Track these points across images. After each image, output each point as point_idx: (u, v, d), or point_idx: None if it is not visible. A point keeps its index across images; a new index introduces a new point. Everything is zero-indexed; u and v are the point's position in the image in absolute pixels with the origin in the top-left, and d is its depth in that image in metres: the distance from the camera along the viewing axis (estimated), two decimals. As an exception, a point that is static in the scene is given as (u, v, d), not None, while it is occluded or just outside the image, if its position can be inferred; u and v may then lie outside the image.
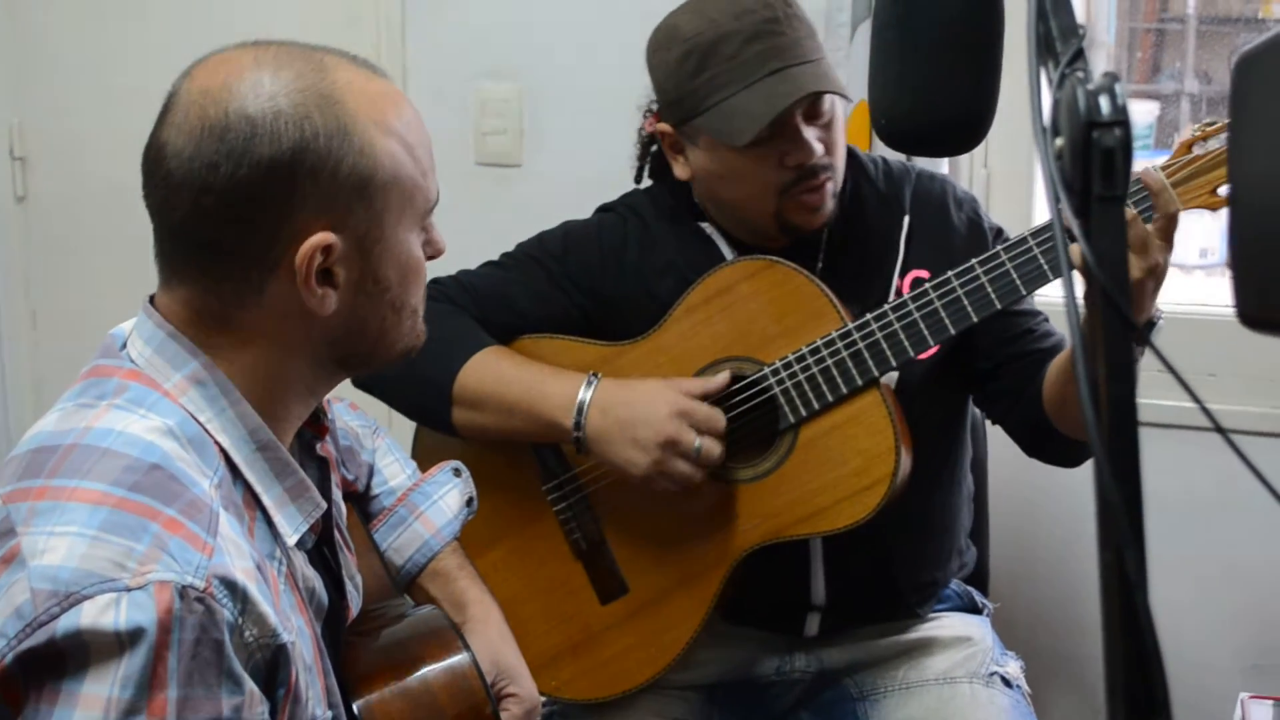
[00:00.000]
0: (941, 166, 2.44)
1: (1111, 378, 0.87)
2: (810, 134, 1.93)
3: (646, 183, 2.21)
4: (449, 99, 2.93)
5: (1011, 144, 2.60)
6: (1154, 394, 2.44)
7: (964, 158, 2.60)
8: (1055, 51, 0.96)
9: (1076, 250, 0.89)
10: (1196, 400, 0.97)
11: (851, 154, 2.08)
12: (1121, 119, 0.87)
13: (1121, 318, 0.87)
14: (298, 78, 1.28)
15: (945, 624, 2.16)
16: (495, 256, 2.18)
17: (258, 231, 1.27)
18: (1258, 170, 0.98)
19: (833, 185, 1.98)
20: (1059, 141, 0.90)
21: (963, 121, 1.26)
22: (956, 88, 1.24)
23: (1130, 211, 1.76)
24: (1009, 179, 2.68)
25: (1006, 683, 2.11)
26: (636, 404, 1.97)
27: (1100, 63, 2.95)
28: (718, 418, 1.97)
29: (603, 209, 2.19)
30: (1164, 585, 2.82)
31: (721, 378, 1.99)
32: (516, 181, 2.93)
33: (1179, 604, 2.57)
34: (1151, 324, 1.84)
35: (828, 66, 1.95)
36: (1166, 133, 3.09)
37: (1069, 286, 0.86)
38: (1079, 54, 0.94)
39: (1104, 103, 0.88)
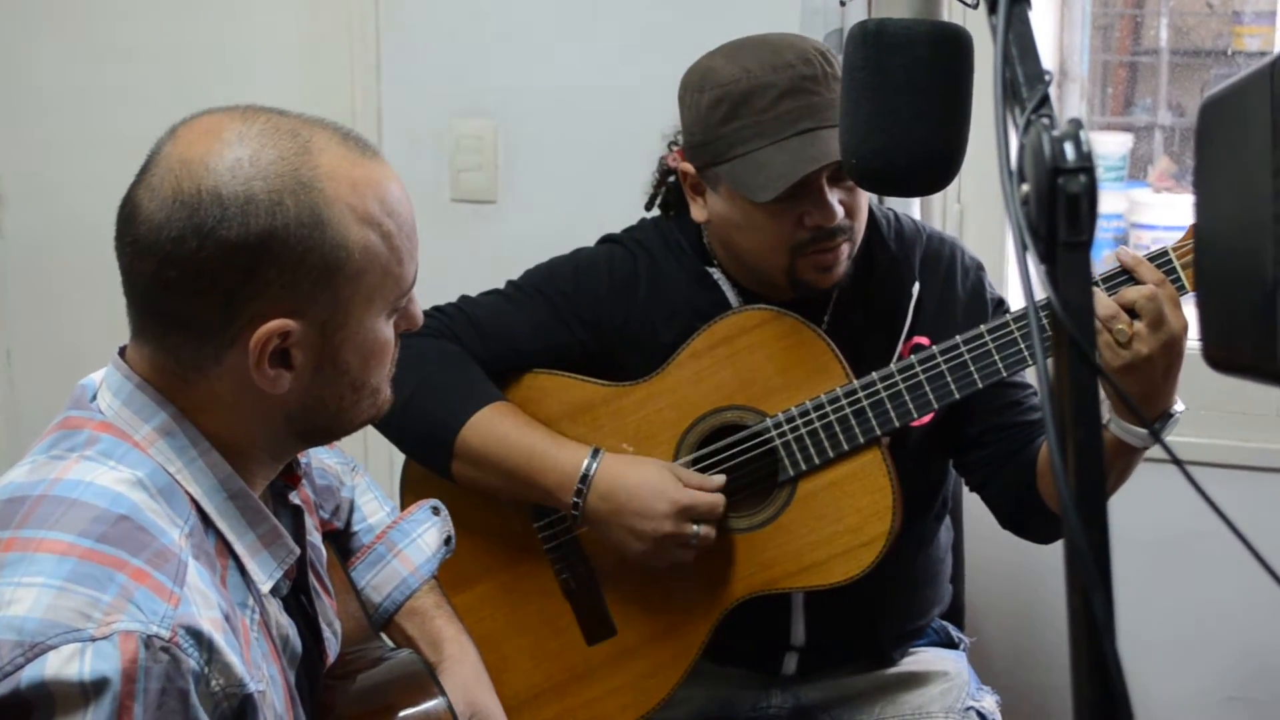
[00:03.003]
0: (913, 204, 2.45)
1: (1077, 423, 0.88)
2: (833, 196, 1.90)
3: (654, 212, 2.19)
4: (424, 136, 2.94)
5: (984, 181, 2.61)
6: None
7: (936, 195, 2.61)
8: (1021, 97, 0.97)
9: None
10: (1150, 430, 0.98)
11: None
12: (1086, 165, 0.88)
13: (1086, 362, 0.87)
14: (279, 160, 1.27)
15: (922, 659, 2.16)
16: (471, 293, 2.17)
17: (217, 309, 1.27)
18: (1220, 215, 0.99)
19: (849, 247, 1.96)
20: (1025, 187, 0.91)
21: (933, 162, 1.27)
22: (927, 129, 1.25)
23: (1158, 275, 1.77)
24: (981, 216, 2.69)
25: (982, 717, 2.12)
26: (639, 495, 1.96)
27: (1074, 96, 2.98)
28: (717, 508, 1.97)
29: (609, 239, 2.17)
30: (1136, 619, 2.85)
31: (719, 479, 1.99)
32: (491, 218, 2.93)
33: (1151, 637, 2.58)
34: (1169, 415, 1.83)
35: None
36: (1140, 165, 3.11)
37: (1039, 345, 0.87)
38: (1044, 100, 0.95)
39: (1069, 149, 0.88)
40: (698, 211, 2.03)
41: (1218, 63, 3.16)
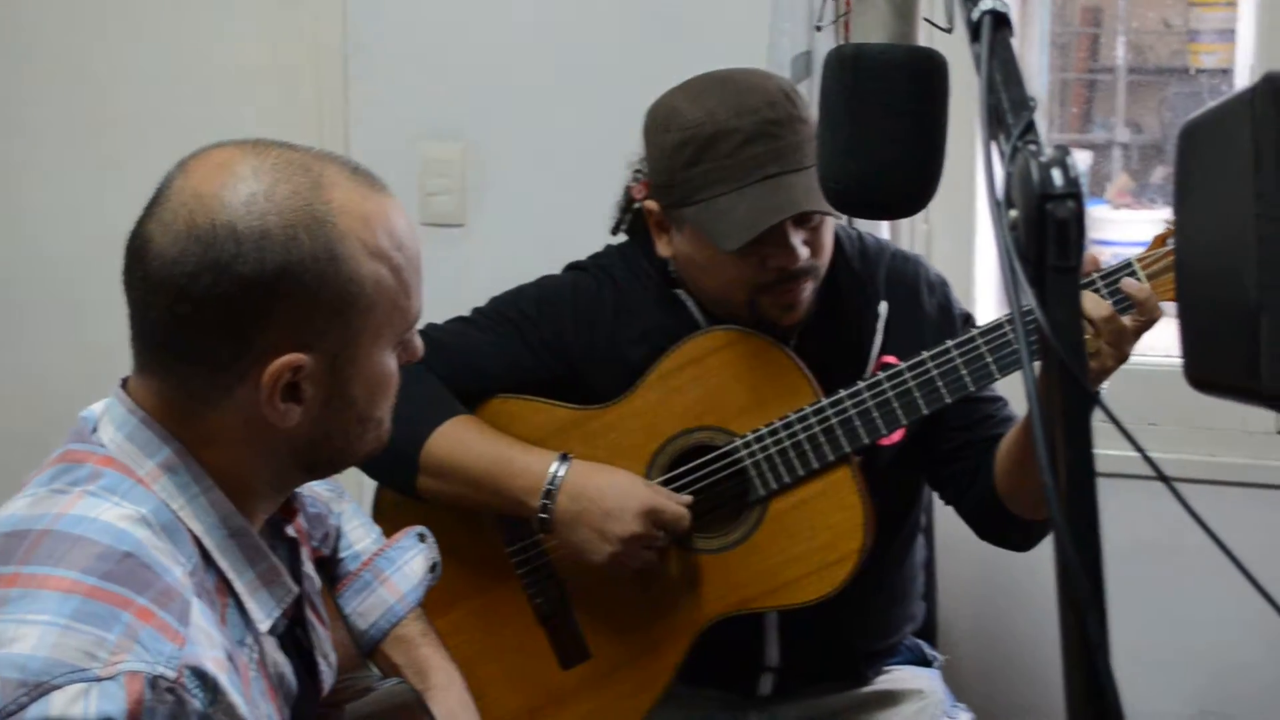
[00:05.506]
0: (881, 224, 2.47)
1: (1069, 444, 0.89)
2: (797, 238, 1.91)
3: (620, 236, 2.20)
4: (392, 159, 2.91)
5: (951, 201, 2.63)
6: (1097, 444, 2.47)
7: (904, 214, 2.63)
8: (1006, 124, 0.98)
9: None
10: (1140, 451, 0.99)
11: None
12: (1074, 191, 0.89)
13: (1078, 386, 0.88)
14: (292, 195, 1.27)
15: (896, 678, 2.17)
16: (442, 315, 2.17)
17: (230, 344, 1.27)
18: (1202, 238, 1.01)
19: (813, 284, 1.98)
20: (1013, 213, 0.92)
21: (910, 186, 1.28)
22: (904, 153, 1.27)
23: (1108, 307, 1.79)
24: (949, 236, 2.71)
25: (958, 734, 2.13)
26: (607, 495, 1.96)
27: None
28: (685, 520, 1.97)
29: (575, 266, 2.17)
30: (1111, 634, 2.84)
31: (685, 499, 1.99)
32: (460, 241, 2.94)
33: (1125, 651, 2.59)
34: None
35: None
36: (1099, 182, 3.14)
37: (1028, 365, 0.88)
38: (1030, 126, 0.97)
39: (1057, 175, 0.90)
40: (663, 248, 2.04)
41: (1176, 80, 3.20)
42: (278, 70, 3.02)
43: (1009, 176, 0.93)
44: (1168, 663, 2.62)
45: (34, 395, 3.20)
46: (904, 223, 2.65)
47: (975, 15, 1.05)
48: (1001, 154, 0.96)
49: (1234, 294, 0.95)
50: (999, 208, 0.93)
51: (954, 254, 2.69)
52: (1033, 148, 0.93)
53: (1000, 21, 1.04)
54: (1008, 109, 0.98)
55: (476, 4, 2.90)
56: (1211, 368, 1.01)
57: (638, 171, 2.09)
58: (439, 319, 2.16)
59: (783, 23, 2.52)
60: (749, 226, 1.87)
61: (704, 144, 1.90)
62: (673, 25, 2.75)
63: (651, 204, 2.02)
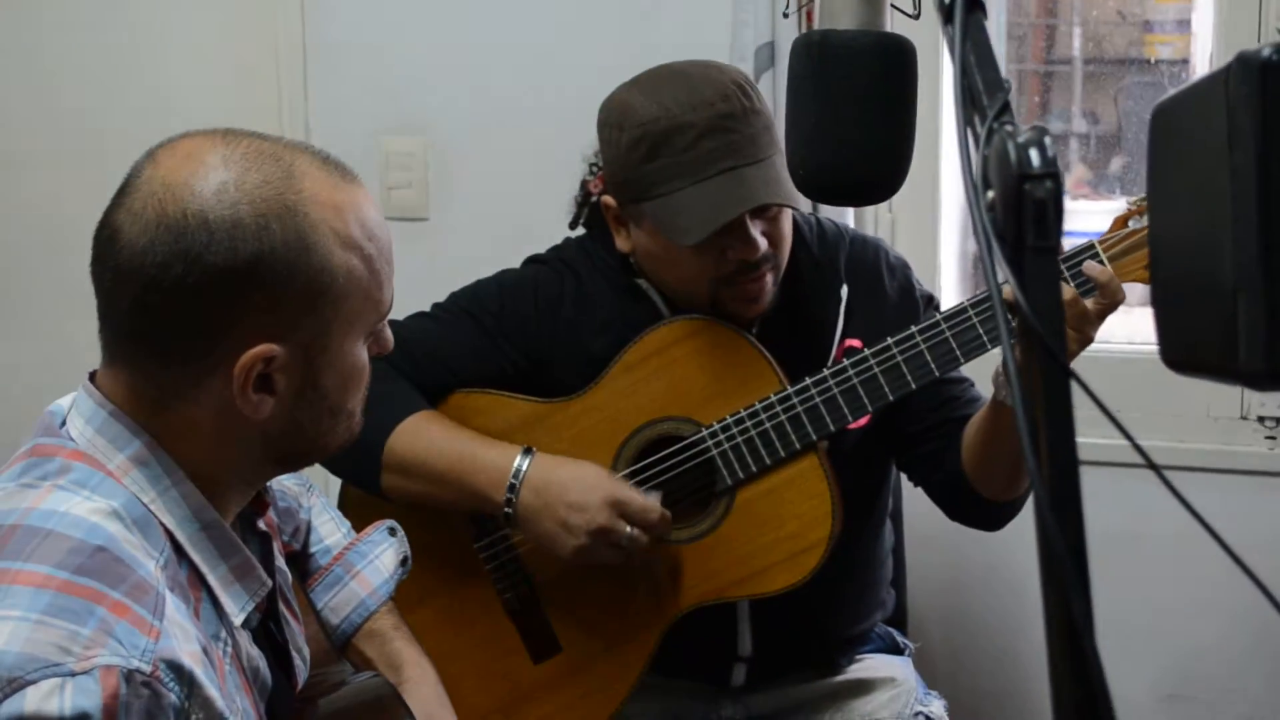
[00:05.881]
0: (847, 213, 2.47)
1: (1050, 426, 0.89)
2: (756, 229, 1.91)
3: (579, 230, 2.19)
4: (353, 153, 2.85)
5: (915, 187, 2.61)
6: (1097, 431, 2.48)
7: (868, 201, 2.63)
8: (981, 106, 0.98)
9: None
10: (1129, 438, 0.99)
11: None
12: (1052, 171, 0.89)
13: (1059, 366, 0.88)
14: (264, 184, 1.26)
15: (869, 666, 2.18)
16: (404, 312, 2.16)
17: (201, 335, 1.26)
18: (1177, 220, 1.01)
19: (774, 275, 1.98)
20: (990, 194, 0.92)
21: (879, 173, 1.28)
22: (873, 140, 1.27)
23: (1070, 290, 1.80)
24: (913, 221, 2.72)
25: (932, 722, 2.14)
26: (571, 487, 1.94)
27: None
28: (652, 511, 1.94)
29: (535, 260, 2.16)
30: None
31: (656, 496, 1.97)
32: (424, 235, 2.92)
33: (1098, 634, 2.61)
34: None
35: (780, 165, 1.90)
36: (1057, 173, 3.15)
37: (1007, 351, 0.88)
38: (1005, 107, 0.96)
39: (1034, 155, 0.89)
40: (622, 243, 2.04)
41: (1133, 71, 3.22)
42: (237, 64, 3.00)
43: (985, 158, 0.93)
44: (1135, 648, 2.63)
45: (11, 391, 3.17)
46: (868, 211, 2.66)
47: (948, -1, 1.04)
48: (976, 136, 0.96)
49: (1210, 274, 0.95)
50: (976, 189, 0.93)
51: (918, 241, 2.69)
52: (1009, 128, 0.93)
53: (973, 4, 1.04)
54: (982, 90, 0.98)
55: (437, -3, 2.89)
56: (1188, 349, 1.01)
57: (594, 165, 2.09)
58: (403, 313, 2.15)
59: (744, 13, 2.53)
60: (708, 221, 1.87)
61: (659, 139, 1.90)
62: (634, 17, 2.74)
63: (609, 199, 2.02)
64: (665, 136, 1.89)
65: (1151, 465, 0.96)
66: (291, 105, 2.94)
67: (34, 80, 3.13)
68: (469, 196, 2.91)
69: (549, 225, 2.23)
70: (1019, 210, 0.89)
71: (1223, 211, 0.93)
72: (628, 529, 1.93)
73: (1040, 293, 0.89)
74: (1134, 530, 2.54)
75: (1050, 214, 0.89)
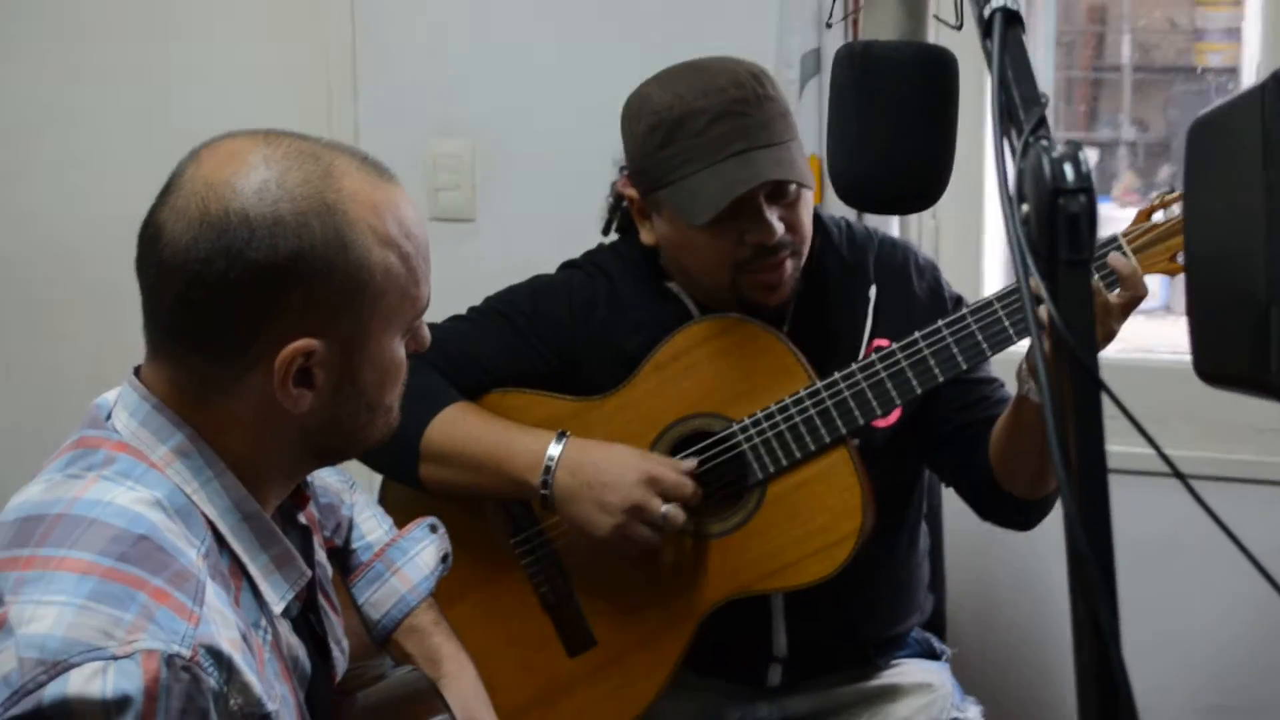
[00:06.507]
0: (891, 220, 2.48)
1: (1081, 436, 0.90)
2: (772, 214, 1.94)
3: (613, 236, 2.22)
4: (401, 155, 2.91)
5: (959, 196, 2.64)
6: (1109, 441, 2.47)
7: (912, 210, 2.63)
8: (1018, 120, 0.99)
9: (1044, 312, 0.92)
10: (1155, 448, 1.00)
11: (815, 217, 2.08)
12: (1086, 185, 0.91)
13: (1091, 379, 0.90)
14: (304, 183, 1.28)
15: (905, 671, 2.18)
16: (450, 312, 2.18)
17: (242, 329, 1.28)
18: (1213, 233, 1.02)
19: (793, 263, 2.00)
20: (1025, 208, 0.93)
21: (920, 182, 1.30)
22: (913, 149, 1.28)
23: (1094, 283, 1.80)
24: (957, 230, 2.72)
25: (967, 727, 2.14)
26: (605, 467, 1.97)
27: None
28: (685, 486, 1.98)
29: (569, 265, 2.20)
30: (1122, 627, 2.83)
31: (690, 463, 2.00)
32: (470, 236, 2.95)
33: (1131, 645, 2.60)
34: None
35: (795, 150, 1.95)
36: (1105, 180, 3.15)
37: (1040, 353, 0.89)
38: (1042, 122, 0.98)
39: (1069, 170, 0.91)
40: (646, 235, 2.07)
41: (1181, 79, 3.21)
42: (288, 67, 3.04)
43: (1020, 171, 0.95)
44: (1173, 657, 2.63)
45: (49, 386, 3.22)
46: (911, 219, 2.67)
47: (987, 12, 1.06)
48: (1013, 149, 0.98)
49: (1244, 287, 0.96)
50: (1011, 202, 0.94)
51: (962, 248, 2.70)
52: (1044, 143, 0.94)
53: (1012, 19, 1.06)
54: (1019, 105, 1.00)
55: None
56: (1221, 361, 1.02)
57: (622, 167, 2.12)
58: (451, 313, 2.18)
59: (791, 20, 2.54)
60: (718, 199, 1.90)
61: (673, 126, 1.94)
62: (680, 22, 2.76)
63: (631, 191, 2.06)
64: (679, 122, 1.93)
65: (1178, 474, 0.97)
66: (341, 107, 2.97)
67: (85, 84, 3.18)
68: (516, 198, 2.93)
69: (595, 227, 2.25)
70: (1052, 224, 0.91)
71: (1257, 225, 0.95)
72: (662, 506, 1.96)
73: (1073, 306, 0.90)
74: (1179, 540, 2.54)
75: (1084, 228, 0.90)
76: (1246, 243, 0.96)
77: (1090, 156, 3.13)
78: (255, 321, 1.28)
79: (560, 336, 2.12)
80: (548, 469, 1.99)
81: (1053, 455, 0.89)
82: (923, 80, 1.27)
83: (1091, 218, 0.91)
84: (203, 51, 3.10)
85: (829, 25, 2.40)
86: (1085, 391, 0.90)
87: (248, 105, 3.01)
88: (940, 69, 1.27)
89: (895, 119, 1.28)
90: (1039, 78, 2.93)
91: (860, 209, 1.92)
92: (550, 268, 2.22)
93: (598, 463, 1.99)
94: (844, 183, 1.34)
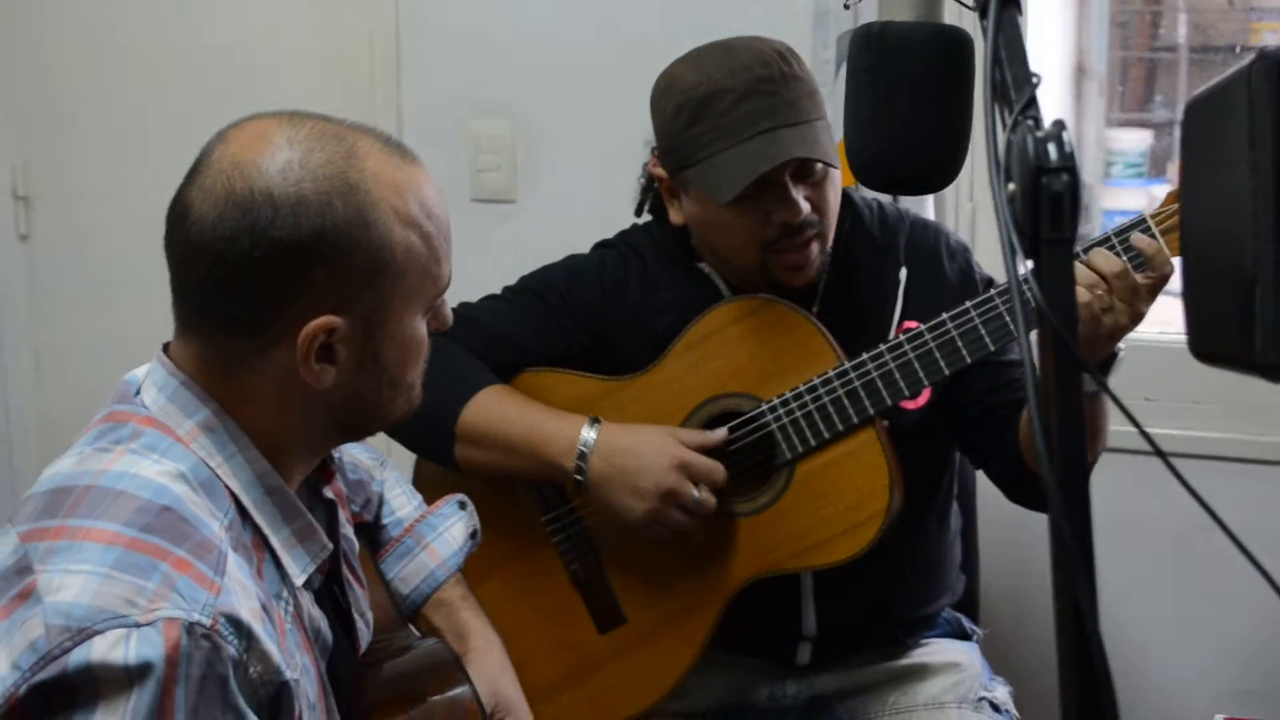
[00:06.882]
0: (927, 202, 2.48)
1: (1061, 412, 0.91)
2: (798, 193, 1.95)
3: (646, 217, 2.24)
4: (443, 137, 2.98)
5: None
6: (1157, 422, 2.45)
7: (949, 191, 2.63)
8: (1010, 99, 1.00)
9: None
10: (1135, 424, 1.01)
11: (847, 198, 2.09)
12: (1069, 165, 0.92)
13: (1071, 356, 0.91)
14: (327, 163, 1.31)
15: (934, 650, 2.19)
16: (493, 291, 2.22)
17: (266, 306, 1.31)
18: (1203, 211, 1.02)
19: (820, 244, 2.01)
20: (1011, 186, 0.94)
21: (933, 161, 1.31)
22: (928, 128, 1.29)
23: (1121, 263, 1.80)
24: (994, 213, 2.71)
25: (995, 708, 2.15)
26: (639, 453, 2.00)
27: (1093, 93, 2.99)
28: (717, 471, 2.00)
29: (602, 245, 2.22)
30: (1148, 606, 2.84)
31: (720, 432, 2.03)
32: (511, 217, 2.98)
33: (1167, 631, 2.60)
34: (1114, 355, 1.88)
35: (821, 129, 1.95)
36: (1159, 162, 3.13)
37: (1023, 336, 0.90)
38: (1032, 101, 0.99)
39: (1052, 149, 0.92)
40: (675, 214, 2.09)
41: (1236, 58, 3.18)
42: (332, 48, 3.08)
43: (1008, 149, 0.96)
44: (1208, 641, 2.62)
45: (98, 366, 3.27)
46: (949, 202, 2.67)
47: (984, -7, 1.07)
48: (1004, 127, 0.99)
49: (1231, 266, 0.97)
50: (998, 179, 0.95)
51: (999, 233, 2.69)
52: (1031, 122, 0.95)
53: (1007, 0, 1.06)
54: (1011, 84, 1.01)
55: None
56: (1211, 339, 1.03)
57: (653, 148, 2.13)
58: (492, 292, 2.21)
59: (828, 1, 2.54)
60: (743, 176, 1.91)
61: (700, 104, 1.95)
62: (719, 4, 2.77)
63: (661, 171, 2.07)
64: (705, 101, 1.94)
65: (1159, 453, 0.98)
66: (384, 89, 3.01)
67: (133, 66, 3.24)
68: (556, 179, 2.96)
69: (633, 207, 2.27)
70: (1035, 202, 0.92)
71: (1244, 205, 0.95)
72: (694, 491, 1.98)
73: (1054, 283, 0.91)
74: (1208, 523, 2.52)
75: (1066, 207, 0.91)
76: (1234, 221, 0.96)
77: (1145, 138, 3.12)
78: (279, 298, 1.31)
79: (593, 316, 2.15)
80: (582, 454, 2.02)
81: (1035, 431, 0.90)
82: (938, 60, 1.28)
83: (1074, 196, 0.92)
84: (248, 37, 3.15)
85: (846, 7, 2.40)
86: (1066, 369, 0.91)
87: (293, 90, 3.05)
88: (956, 49, 1.28)
89: (910, 99, 1.29)
90: (1095, 57, 2.90)
91: (876, 189, 1.93)
92: (589, 248, 2.24)
93: (631, 447, 2.01)
94: (859, 163, 1.36)
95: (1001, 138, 0.98)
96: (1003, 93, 1.01)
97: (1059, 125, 0.93)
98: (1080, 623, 0.89)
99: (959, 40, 1.28)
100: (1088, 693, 0.90)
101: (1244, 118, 0.95)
